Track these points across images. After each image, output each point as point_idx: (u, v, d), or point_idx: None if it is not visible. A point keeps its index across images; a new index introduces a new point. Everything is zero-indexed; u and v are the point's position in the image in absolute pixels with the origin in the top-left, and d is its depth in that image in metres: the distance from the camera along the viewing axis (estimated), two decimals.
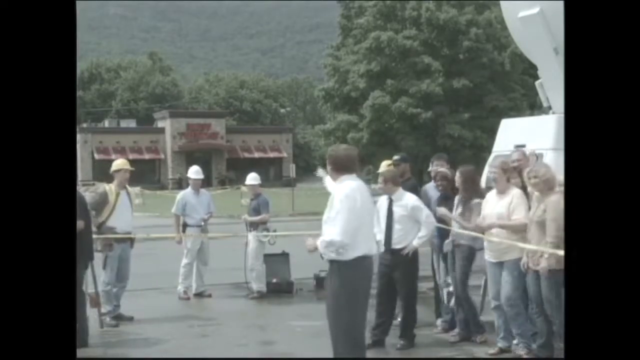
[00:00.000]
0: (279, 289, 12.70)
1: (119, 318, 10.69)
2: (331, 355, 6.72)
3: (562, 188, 7.75)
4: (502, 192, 8.32)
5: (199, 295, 12.56)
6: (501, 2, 13.05)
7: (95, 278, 9.94)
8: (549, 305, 7.71)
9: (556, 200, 7.42)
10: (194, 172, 13.29)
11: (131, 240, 11.05)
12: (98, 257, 10.23)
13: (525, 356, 8.10)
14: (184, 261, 12.56)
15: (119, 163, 11.28)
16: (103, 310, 10.38)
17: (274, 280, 12.78)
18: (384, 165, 11.32)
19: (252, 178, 12.96)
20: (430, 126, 46.57)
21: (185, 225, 12.60)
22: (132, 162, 12.46)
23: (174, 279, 12.66)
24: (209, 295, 12.57)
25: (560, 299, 7.30)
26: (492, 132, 12.47)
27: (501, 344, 8.40)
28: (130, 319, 10.76)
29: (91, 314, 9.78)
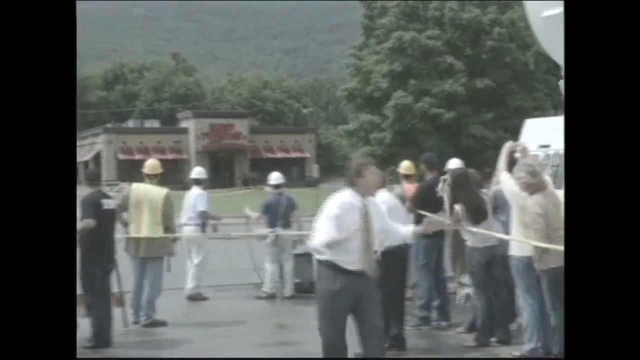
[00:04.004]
0: (303, 289, 12.70)
1: (154, 324, 10.54)
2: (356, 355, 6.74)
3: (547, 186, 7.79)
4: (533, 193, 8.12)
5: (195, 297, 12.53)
6: (525, 1, 12.96)
7: (119, 278, 9.97)
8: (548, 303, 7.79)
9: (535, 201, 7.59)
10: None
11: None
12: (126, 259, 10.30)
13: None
14: (194, 261, 12.56)
15: (157, 165, 11.25)
16: (146, 317, 10.46)
17: (297, 281, 12.78)
18: (404, 166, 11.30)
19: (275, 178, 12.96)
20: (453, 126, 46.44)
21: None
22: None
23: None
24: (206, 298, 12.57)
25: (554, 297, 7.56)
26: (515, 132, 12.39)
27: (526, 346, 8.32)
28: (164, 323, 10.61)
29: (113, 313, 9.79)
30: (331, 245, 6.45)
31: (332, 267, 6.55)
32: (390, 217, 7.35)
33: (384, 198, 8.32)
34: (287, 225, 12.62)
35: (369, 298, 6.67)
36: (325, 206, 6.66)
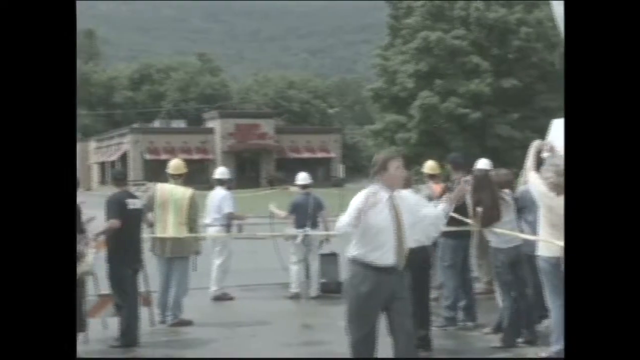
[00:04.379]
0: (328, 289, 12.71)
1: (180, 323, 10.56)
2: (383, 356, 6.71)
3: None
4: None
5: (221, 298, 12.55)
6: (551, 0, 12.88)
7: (146, 277, 10.02)
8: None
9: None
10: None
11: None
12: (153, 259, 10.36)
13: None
14: (217, 262, 12.60)
15: (181, 165, 11.25)
16: (173, 317, 10.51)
17: (323, 281, 12.79)
18: (428, 166, 11.26)
19: (303, 178, 12.97)
20: (479, 126, 46.25)
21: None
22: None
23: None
24: (232, 298, 12.59)
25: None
26: (542, 133, 12.29)
27: (553, 347, 8.26)
28: (190, 323, 10.62)
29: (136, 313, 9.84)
30: (345, 228, 6.39)
31: (363, 265, 6.51)
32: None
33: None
34: (314, 225, 12.65)
35: (400, 298, 6.59)
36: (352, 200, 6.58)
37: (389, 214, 6.51)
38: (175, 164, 11.13)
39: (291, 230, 12.74)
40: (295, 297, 12.50)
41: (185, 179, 11.07)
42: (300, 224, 12.59)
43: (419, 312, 8.55)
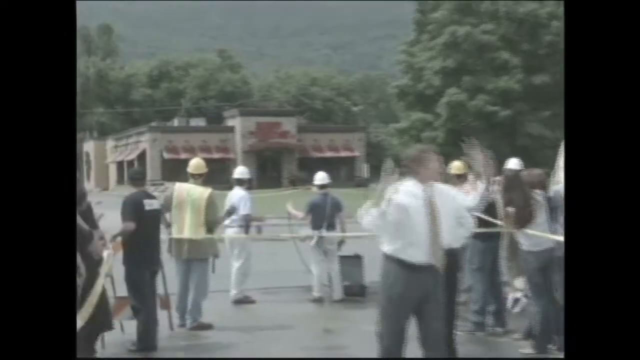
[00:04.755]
0: (352, 292, 12.69)
1: (200, 327, 10.56)
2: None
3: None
4: None
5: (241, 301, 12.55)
6: None
7: (165, 280, 10.06)
8: None
9: None
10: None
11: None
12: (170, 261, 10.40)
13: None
14: (236, 264, 12.59)
15: (202, 164, 11.26)
16: (192, 321, 10.54)
17: (346, 283, 12.76)
18: (455, 166, 11.19)
19: (321, 178, 12.94)
20: (509, 125, 46.05)
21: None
22: None
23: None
24: (253, 301, 12.59)
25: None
26: None
27: None
28: (210, 326, 10.62)
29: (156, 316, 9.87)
30: (373, 221, 6.37)
31: (398, 262, 6.46)
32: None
33: None
34: (331, 226, 12.63)
35: (434, 300, 6.55)
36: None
37: (424, 209, 6.45)
38: (195, 163, 11.14)
39: (306, 231, 12.73)
40: (319, 300, 12.49)
41: (206, 179, 11.08)
42: (316, 225, 12.59)
43: (445, 315, 8.55)
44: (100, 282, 7.14)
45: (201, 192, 10.79)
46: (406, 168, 6.64)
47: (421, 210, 6.44)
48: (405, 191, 6.44)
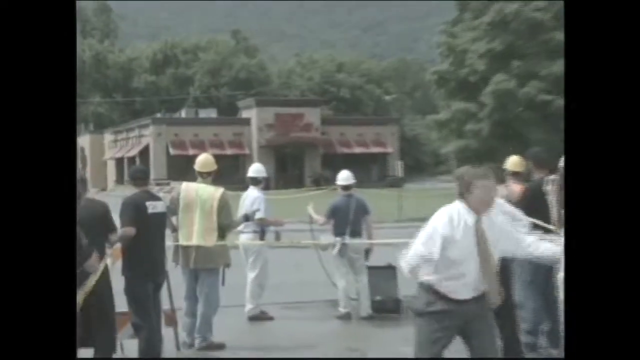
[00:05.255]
0: (384, 308, 12.60)
1: (210, 347, 10.57)
2: None
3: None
4: None
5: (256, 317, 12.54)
6: None
7: (170, 293, 10.06)
8: None
9: None
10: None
11: None
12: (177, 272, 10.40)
13: None
14: (251, 275, 12.52)
15: (211, 161, 11.28)
16: (201, 339, 10.54)
17: (378, 298, 12.68)
18: (512, 162, 11.01)
19: (344, 178, 12.86)
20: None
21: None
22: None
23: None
24: (271, 318, 12.55)
25: None
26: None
27: None
28: (221, 346, 10.63)
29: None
30: (418, 266, 6.39)
31: (435, 293, 6.46)
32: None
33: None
34: (355, 232, 12.53)
35: (481, 319, 6.52)
36: (430, 220, 6.50)
37: (473, 242, 6.39)
38: (203, 160, 11.11)
39: (328, 237, 12.66)
40: (345, 317, 12.43)
41: (216, 178, 11.03)
42: (338, 231, 12.47)
43: (503, 339, 8.56)
44: (80, 298, 7.20)
45: (212, 193, 10.73)
46: (458, 192, 6.56)
47: (469, 243, 6.38)
48: (451, 218, 6.41)
